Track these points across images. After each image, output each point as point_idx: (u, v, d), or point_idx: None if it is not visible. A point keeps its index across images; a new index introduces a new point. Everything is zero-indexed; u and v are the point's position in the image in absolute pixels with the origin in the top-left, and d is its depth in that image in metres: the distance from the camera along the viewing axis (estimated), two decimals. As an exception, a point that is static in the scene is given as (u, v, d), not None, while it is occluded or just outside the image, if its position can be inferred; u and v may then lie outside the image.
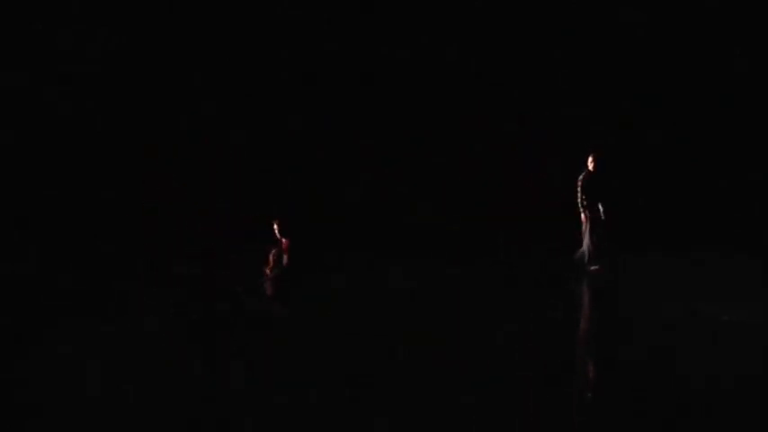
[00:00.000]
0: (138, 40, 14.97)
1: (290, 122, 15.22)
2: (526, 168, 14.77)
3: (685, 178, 14.81)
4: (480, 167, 15.17)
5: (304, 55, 15.32)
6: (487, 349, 7.45)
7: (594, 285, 11.10)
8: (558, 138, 14.76)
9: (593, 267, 11.58)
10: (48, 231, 13.87)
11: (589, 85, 15.08)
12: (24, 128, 14.58)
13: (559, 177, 13.04)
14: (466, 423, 5.50)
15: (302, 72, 15.29)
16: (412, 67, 15.28)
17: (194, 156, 15.03)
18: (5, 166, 14.36)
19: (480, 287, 10.75)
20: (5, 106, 14.50)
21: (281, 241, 10.12)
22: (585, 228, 11.59)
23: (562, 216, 12.35)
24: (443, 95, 15.31)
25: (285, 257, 10.00)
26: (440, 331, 8.18)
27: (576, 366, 7.07)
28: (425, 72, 15.30)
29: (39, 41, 14.67)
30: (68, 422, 5.68)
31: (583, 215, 11.53)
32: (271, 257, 10.11)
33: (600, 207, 11.51)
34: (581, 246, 11.70)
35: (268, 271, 9.99)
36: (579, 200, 11.52)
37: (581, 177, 11.52)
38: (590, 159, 11.58)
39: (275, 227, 10.13)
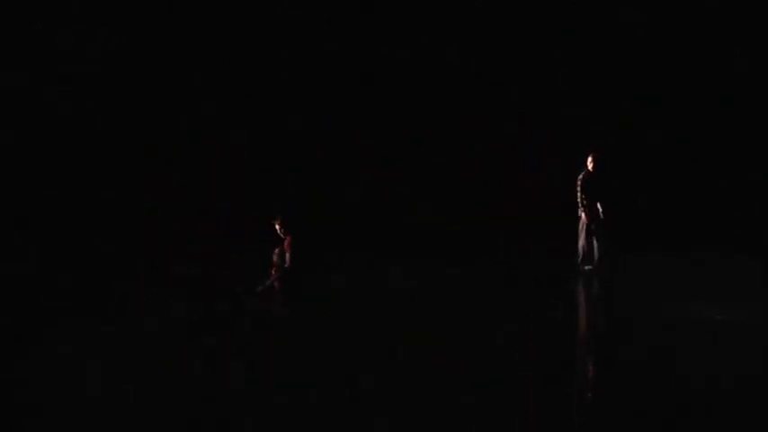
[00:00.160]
0: (138, 40, 14.97)
1: (290, 122, 15.21)
2: (526, 168, 14.77)
3: (685, 178, 14.80)
4: (480, 167, 15.16)
5: (304, 55, 15.32)
6: (487, 349, 7.45)
7: (593, 285, 11.11)
8: (558, 138, 14.76)
9: (586, 267, 11.59)
10: (48, 231, 13.87)
11: (589, 85, 15.07)
12: (24, 128, 14.58)
13: (559, 177, 13.04)
14: (466, 423, 5.50)
15: (302, 72, 15.29)
16: (412, 67, 15.27)
17: (194, 156, 15.02)
18: (5, 166, 14.36)
19: (480, 287, 10.75)
20: (5, 106, 14.50)
21: (283, 240, 10.09)
22: (582, 227, 11.59)
23: (562, 216, 12.35)
24: (443, 95, 15.31)
25: (288, 256, 9.99)
26: (440, 331, 8.19)
27: (576, 366, 7.07)
28: (425, 72, 15.30)
29: (39, 41, 14.66)
30: (68, 422, 5.68)
31: (582, 215, 11.53)
32: (275, 257, 10.09)
33: (599, 207, 11.51)
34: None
35: (273, 271, 9.98)
36: (578, 199, 11.52)
37: (580, 177, 11.53)
38: (589, 159, 11.58)
39: (277, 226, 10.10)
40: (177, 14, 15.02)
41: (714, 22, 14.78)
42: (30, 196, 14.21)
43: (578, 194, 11.50)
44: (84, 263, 12.60)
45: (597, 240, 11.60)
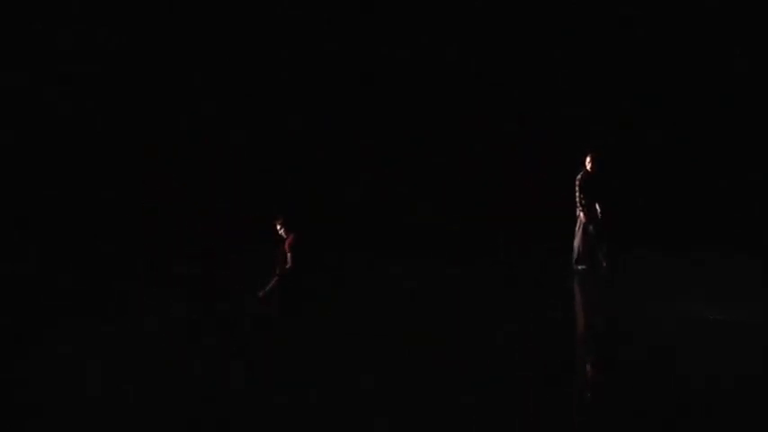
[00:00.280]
0: (138, 40, 14.96)
1: (290, 122, 15.21)
2: (526, 168, 14.76)
3: (685, 178, 14.79)
4: (480, 167, 15.15)
5: (304, 55, 15.31)
6: (487, 349, 7.45)
7: (593, 285, 11.11)
8: (558, 138, 14.75)
9: (579, 267, 11.60)
10: (48, 231, 13.86)
11: (589, 85, 15.06)
12: (24, 128, 14.57)
13: (559, 177, 13.04)
14: (466, 423, 5.50)
15: (302, 72, 15.28)
16: (412, 67, 15.27)
17: (194, 156, 15.02)
18: (5, 166, 14.35)
19: (480, 287, 10.75)
20: (5, 106, 14.50)
21: (285, 238, 10.08)
22: (579, 227, 11.59)
23: (562, 216, 12.35)
24: (443, 95, 15.30)
25: (289, 256, 9.99)
26: (440, 331, 8.19)
27: (576, 366, 7.07)
28: (425, 72, 15.29)
29: (39, 41, 14.66)
30: (68, 422, 5.68)
31: (581, 214, 11.53)
32: (280, 256, 10.09)
33: (598, 207, 11.52)
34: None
35: (278, 271, 9.99)
36: (577, 199, 11.52)
37: (579, 177, 11.53)
38: (587, 159, 11.59)
39: (279, 225, 10.10)
40: (177, 14, 15.02)
41: (714, 22, 14.77)
42: (30, 196, 14.21)
43: (577, 194, 11.51)
44: (84, 263, 12.61)
45: (597, 240, 11.60)
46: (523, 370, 6.69)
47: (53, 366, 7.01)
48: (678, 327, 8.12)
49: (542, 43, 15.20)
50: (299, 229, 10.05)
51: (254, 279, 10.75)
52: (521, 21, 15.23)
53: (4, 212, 13.75)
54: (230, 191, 14.85)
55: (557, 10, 15.15)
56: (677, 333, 7.90)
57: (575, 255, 11.67)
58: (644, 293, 9.89)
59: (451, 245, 13.87)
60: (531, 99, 15.21)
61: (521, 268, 12.21)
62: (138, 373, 6.73)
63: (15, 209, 13.94)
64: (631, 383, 6.32)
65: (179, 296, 10.04)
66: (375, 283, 11.01)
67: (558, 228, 12.47)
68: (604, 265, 11.59)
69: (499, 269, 12.22)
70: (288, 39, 15.26)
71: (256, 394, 6.21)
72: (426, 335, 8.00)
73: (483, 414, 5.66)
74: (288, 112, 15.21)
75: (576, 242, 11.66)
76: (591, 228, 11.56)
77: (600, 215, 11.52)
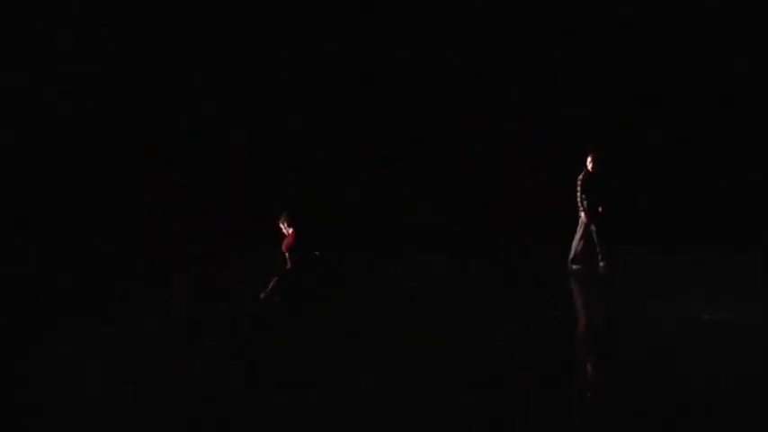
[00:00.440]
0: (138, 40, 14.96)
1: (290, 122, 15.20)
2: (526, 168, 14.75)
3: (685, 178, 14.79)
4: (480, 167, 15.15)
5: (304, 55, 15.31)
6: (487, 349, 7.45)
7: (593, 285, 11.11)
8: (558, 138, 14.75)
9: (574, 266, 11.60)
10: (48, 231, 13.86)
11: (589, 85, 15.06)
12: (24, 128, 14.57)
13: (559, 177, 13.04)
14: (466, 423, 5.50)
15: (302, 72, 15.27)
16: (412, 67, 15.26)
17: (194, 156, 15.01)
18: (5, 166, 14.35)
19: (480, 287, 10.75)
20: (5, 106, 14.49)
21: (288, 235, 10.06)
22: (580, 227, 11.59)
23: (562, 216, 12.34)
24: (443, 95, 15.29)
25: (286, 255, 9.98)
26: (440, 331, 8.19)
27: (576, 366, 7.07)
28: (425, 72, 15.28)
29: (39, 41, 14.65)
30: (68, 422, 5.68)
31: (583, 214, 11.53)
32: (280, 256, 10.09)
33: (600, 207, 11.52)
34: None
35: (278, 271, 10.00)
36: (579, 199, 11.52)
37: (580, 177, 11.53)
38: (589, 159, 11.59)
39: (282, 223, 10.08)
40: (177, 14, 15.01)
41: (714, 22, 14.76)
42: (30, 196, 14.20)
43: (578, 194, 11.51)
44: (84, 263, 12.60)
45: (598, 239, 11.61)
46: (523, 370, 6.69)
47: (53, 366, 7.01)
48: (678, 327, 8.12)
49: (542, 43, 15.20)
50: (300, 228, 10.05)
51: (255, 279, 10.76)
52: (521, 21, 15.22)
53: (4, 212, 13.75)
54: (230, 191, 14.85)
55: (557, 10, 15.15)
56: (677, 333, 7.90)
57: (571, 254, 11.68)
58: (644, 293, 9.89)
59: (451, 245, 13.87)
60: (531, 99, 15.20)
61: (521, 268, 12.21)
62: (138, 373, 6.73)
63: (15, 209, 13.93)
64: (631, 383, 6.32)
65: (179, 296, 10.05)
66: (375, 283, 11.00)
67: (558, 228, 12.47)
68: (602, 264, 11.59)
69: (499, 269, 12.22)
70: (288, 39, 15.25)
71: (256, 394, 6.21)
72: (426, 335, 8.00)
73: (483, 414, 5.66)
74: (288, 112, 15.20)
75: (575, 242, 11.66)
76: (592, 227, 11.56)
77: (602, 215, 11.53)
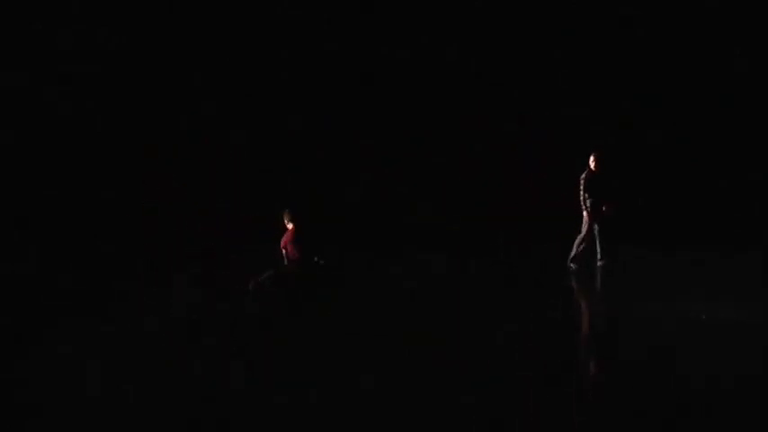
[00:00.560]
0: (138, 40, 14.96)
1: (290, 122, 15.21)
2: (526, 168, 14.76)
3: (685, 178, 14.80)
4: (480, 167, 15.15)
5: (304, 55, 15.31)
6: (487, 349, 7.45)
7: (593, 285, 11.11)
8: (558, 138, 14.76)
9: (573, 266, 11.61)
10: (48, 231, 13.86)
11: (589, 85, 15.07)
12: (24, 128, 14.57)
13: (559, 177, 13.04)
14: (466, 423, 5.50)
15: (302, 72, 15.28)
16: (412, 67, 15.27)
17: (194, 156, 15.02)
18: (5, 166, 14.35)
19: (480, 287, 10.75)
20: (5, 106, 14.50)
21: (288, 231, 10.05)
22: (583, 226, 11.58)
23: (562, 216, 12.34)
24: (443, 95, 15.30)
25: (283, 252, 9.99)
26: (440, 331, 8.18)
27: (576, 366, 7.07)
28: (425, 72, 15.29)
29: (39, 41, 14.66)
30: (68, 422, 5.68)
31: (585, 214, 11.53)
32: (283, 251, 10.10)
33: (602, 206, 11.52)
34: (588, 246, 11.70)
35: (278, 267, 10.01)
36: (581, 198, 11.50)
37: (583, 176, 11.52)
38: (592, 158, 11.59)
39: (286, 219, 10.09)
40: (177, 14, 15.01)
41: (714, 22, 14.77)
42: (30, 196, 14.21)
43: (581, 193, 11.48)
44: (84, 263, 12.60)
45: (599, 239, 11.61)
46: (523, 370, 6.68)
47: (53, 366, 7.01)
48: (678, 327, 8.12)
49: (542, 43, 15.20)
50: (301, 225, 10.05)
51: (254, 279, 10.75)
52: (521, 21, 15.23)
53: (4, 212, 13.75)
54: (230, 191, 14.85)
55: (557, 10, 15.15)
56: (677, 333, 7.89)
57: (572, 253, 11.67)
58: (644, 293, 9.89)
59: (451, 245, 13.87)
60: (531, 99, 15.21)
61: (521, 268, 12.21)
62: (138, 373, 6.73)
63: (15, 209, 13.93)
64: (631, 383, 6.32)
65: (179, 296, 10.05)
66: (375, 283, 11.01)
67: (558, 228, 12.47)
68: (601, 263, 11.59)
69: (499, 269, 12.22)
70: (288, 39, 15.26)
71: (256, 394, 6.21)
72: (426, 335, 8.00)
73: (483, 414, 5.66)
74: (288, 112, 15.21)
75: (577, 241, 11.65)
76: (595, 226, 11.56)
77: (605, 214, 11.53)
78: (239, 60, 15.22)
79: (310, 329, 8.46)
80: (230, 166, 15.06)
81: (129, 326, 8.52)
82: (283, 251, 10.14)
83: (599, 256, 11.70)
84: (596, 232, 11.61)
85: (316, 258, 10.11)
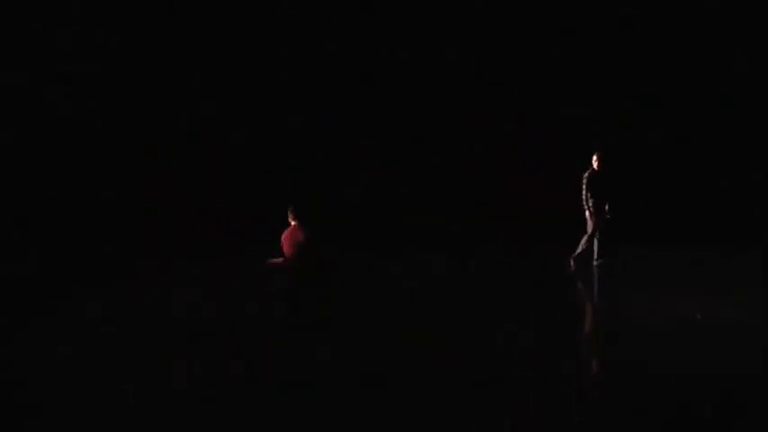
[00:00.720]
0: (138, 40, 14.96)
1: (290, 122, 15.21)
2: (526, 168, 14.77)
3: (685, 178, 14.80)
4: (480, 167, 15.16)
5: (304, 55, 15.31)
6: (487, 349, 7.45)
7: (593, 285, 11.11)
8: (558, 138, 14.76)
9: (573, 264, 11.61)
10: (48, 231, 13.86)
11: (589, 85, 15.07)
12: (24, 128, 14.57)
13: (559, 177, 13.05)
14: (466, 423, 5.50)
15: (302, 72, 15.28)
16: (412, 67, 15.27)
17: (194, 156, 15.02)
18: (5, 166, 14.35)
19: (480, 287, 10.75)
20: (5, 106, 14.49)
21: (290, 228, 10.05)
22: (589, 226, 11.58)
23: (562, 216, 12.35)
24: (443, 95, 15.31)
25: (282, 246, 10.00)
26: (440, 331, 8.18)
27: (576, 366, 7.06)
28: (425, 72, 15.29)
29: (39, 41, 14.66)
30: (68, 422, 5.68)
31: (588, 213, 11.53)
32: (301, 249, 10.10)
33: (606, 206, 11.53)
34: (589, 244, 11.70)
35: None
36: (584, 198, 11.49)
37: (586, 175, 11.51)
38: (594, 158, 11.59)
39: (290, 216, 10.10)
40: (177, 14, 15.01)
41: (714, 22, 14.78)
42: (30, 196, 14.20)
43: (583, 192, 11.47)
44: (85, 263, 12.60)
45: (600, 239, 11.61)
46: (523, 370, 6.68)
47: (53, 366, 7.01)
48: (678, 327, 8.12)
49: (542, 43, 15.21)
50: (303, 223, 10.05)
51: (255, 279, 10.76)
52: (521, 21, 15.23)
53: (4, 212, 13.75)
54: (230, 191, 14.85)
55: (557, 10, 15.15)
56: (677, 333, 7.89)
57: (577, 251, 11.66)
58: (644, 293, 9.88)
59: (451, 245, 13.87)
60: (531, 99, 15.22)
61: (521, 268, 12.21)
62: (138, 373, 6.73)
63: (15, 209, 13.93)
64: (631, 383, 6.32)
65: (179, 296, 10.05)
66: (375, 283, 11.01)
67: (558, 228, 12.47)
68: (598, 262, 11.60)
69: (499, 269, 12.22)
70: (288, 39, 15.26)
71: (256, 394, 6.21)
72: (426, 335, 8.00)
73: (483, 414, 5.66)
74: (288, 112, 15.21)
75: (584, 240, 11.63)
76: (594, 225, 11.55)
77: (608, 213, 11.53)
78: (239, 60, 15.22)
79: (310, 329, 8.46)
80: (230, 166, 15.06)
81: (129, 326, 8.52)
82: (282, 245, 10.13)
83: (595, 256, 11.71)
84: (598, 231, 11.62)
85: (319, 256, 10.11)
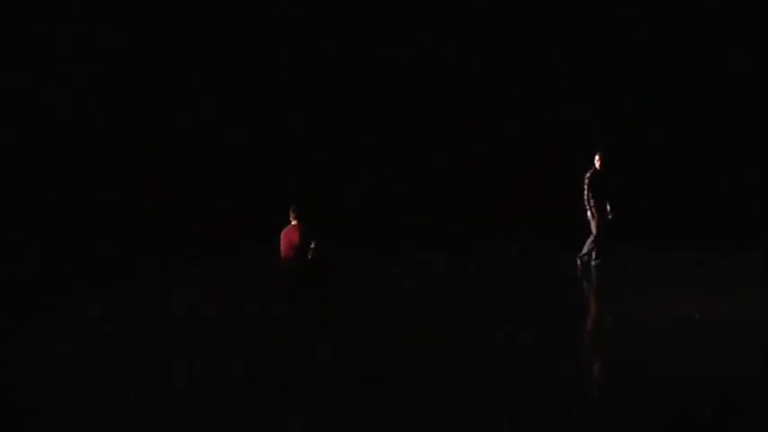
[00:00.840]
0: (138, 40, 14.96)
1: (290, 122, 15.20)
2: (526, 168, 14.76)
3: (685, 178, 14.80)
4: (480, 167, 15.15)
5: (304, 55, 15.31)
6: (487, 349, 7.45)
7: (593, 285, 11.11)
8: (558, 138, 14.76)
9: (579, 263, 11.61)
10: (48, 231, 13.85)
11: (589, 85, 15.07)
12: (24, 128, 14.56)
13: (559, 177, 13.04)
14: (466, 423, 5.50)
15: (302, 72, 15.27)
16: (412, 67, 15.27)
17: (194, 156, 15.01)
18: (5, 166, 14.35)
19: (480, 287, 10.75)
20: (5, 106, 14.49)
21: (292, 228, 10.04)
22: (593, 227, 11.56)
23: (562, 216, 12.34)
24: (443, 95, 15.30)
25: (281, 244, 9.97)
26: (440, 331, 8.19)
27: (577, 366, 7.07)
28: (425, 72, 15.29)
29: (39, 41, 14.65)
30: (68, 422, 5.68)
31: (589, 213, 11.52)
32: (309, 247, 10.09)
33: (607, 205, 11.52)
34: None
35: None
36: (585, 197, 11.48)
37: (588, 175, 11.50)
38: (597, 157, 11.58)
39: (292, 215, 10.09)
40: (177, 14, 15.01)
41: (714, 22, 14.78)
42: (30, 196, 14.20)
43: (585, 192, 11.45)
44: (85, 263, 12.60)
45: (601, 239, 11.60)
46: (523, 370, 6.69)
47: (53, 366, 7.01)
48: (678, 327, 8.12)
49: (542, 43, 15.20)
50: (303, 222, 10.04)
51: (255, 279, 10.76)
52: (521, 21, 15.23)
53: (4, 212, 13.74)
54: (230, 191, 14.85)
55: (557, 10, 15.15)
56: (677, 333, 7.90)
57: (583, 252, 11.63)
58: (644, 293, 9.89)
59: (451, 245, 13.87)
60: (531, 99, 15.21)
61: (521, 268, 12.21)
62: (138, 373, 6.73)
63: (15, 209, 13.92)
64: (631, 383, 6.33)
65: (179, 296, 10.05)
66: (375, 283, 11.01)
67: (558, 228, 12.47)
68: (596, 263, 11.60)
69: (499, 269, 12.22)
70: (288, 39, 15.25)
71: (256, 394, 6.21)
72: (426, 335, 8.00)
73: (483, 414, 5.66)
74: (288, 112, 15.20)
75: (589, 240, 11.62)
76: (600, 226, 11.54)
77: (610, 213, 11.52)
78: (239, 60, 15.22)
79: (310, 329, 8.46)
80: (230, 166, 15.05)
81: (129, 326, 8.52)
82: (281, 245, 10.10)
83: (593, 256, 11.71)
84: (599, 232, 11.60)
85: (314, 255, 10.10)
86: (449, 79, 15.28)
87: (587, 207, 11.52)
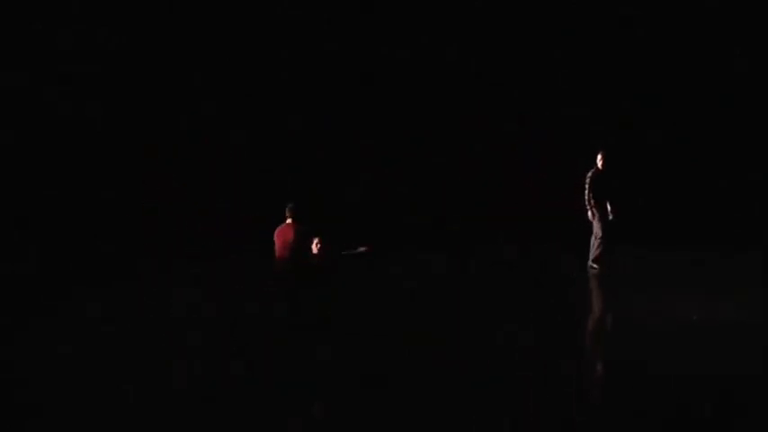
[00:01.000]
0: (138, 40, 14.95)
1: (290, 122, 15.20)
2: (526, 168, 14.76)
3: (685, 178, 14.80)
4: (480, 167, 15.15)
5: (304, 55, 15.30)
6: (487, 349, 7.45)
7: (593, 285, 11.11)
8: (558, 138, 14.75)
9: (594, 267, 11.59)
10: (48, 231, 13.85)
11: (589, 85, 15.07)
12: (24, 128, 14.56)
13: (559, 177, 13.03)
14: (466, 423, 5.50)
15: (302, 72, 15.27)
16: (412, 67, 15.26)
17: (194, 156, 15.01)
18: (5, 166, 14.34)
19: (480, 287, 10.75)
20: (5, 106, 14.49)
21: (287, 227, 10.02)
22: (596, 228, 11.54)
23: (562, 216, 12.34)
24: (443, 95, 15.30)
25: (275, 243, 9.96)
26: (440, 331, 8.19)
27: (576, 366, 7.07)
28: (425, 72, 15.29)
29: (39, 41, 14.65)
30: (68, 422, 5.68)
31: (589, 213, 11.51)
32: (314, 246, 10.07)
33: (608, 205, 11.51)
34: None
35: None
36: (586, 197, 11.46)
37: (589, 175, 11.47)
38: (599, 157, 11.55)
39: (288, 214, 10.07)
40: (177, 14, 15.00)
41: (714, 22, 14.77)
42: (30, 196, 14.20)
43: (586, 192, 11.43)
44: (85, 263, 12.60)
45: (602, 238, 11.59)
46: (523, 370, 6.69)
47: (53, 366, 7.01)
48: (678, 327, 8.12)
49: (542, 43, 15.20)
50: (300, 222, 10.03)
51: (255, 279, 10.76)
52: (521, 21, 15.23)
53: (4, 212, 13.74)
54: (230, 191, 14.84)
55: (557, 10, 15.15)
56: (677, 333, 7.90)
57: (592, 255, 11.59)
58: (644, 293, 9.89)
59: (451, 245, 13.87)
60: (531, 99, 15.21)
61: (521, 268, 12.21)
62: (138, 373, 6.74)
63: (15, 209, 13.92)
64: (631, 383, 6.33)
65: (179, 296, 10.05)
66: (375, 283, 11.01)
67: (558, 228, 12.47)
68: (598, 264, 11.59)
69: (499, 269, 12.22)
70: (288, 39, 15.25)
71: (256, 394, 6.21)
72: (426, 335, 8.00)
73: (483, 414, 5.66)
74: (288, 112, 15.20)
75: (595, 243, 11.59)
76: (601, 226, 11.53)
77: (611, 213, 11.50)
78: (239, 60, 15.21)
79: (310, 329, 8.46)
80: (230, 166, 15.05)
81: (129, 326, 8.52)
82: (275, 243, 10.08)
83: (591, 257, 11.69)
84: (601, 232, 11.58)
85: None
86: (449, 79, 15.28)
87: (588, 207, 11.51)
